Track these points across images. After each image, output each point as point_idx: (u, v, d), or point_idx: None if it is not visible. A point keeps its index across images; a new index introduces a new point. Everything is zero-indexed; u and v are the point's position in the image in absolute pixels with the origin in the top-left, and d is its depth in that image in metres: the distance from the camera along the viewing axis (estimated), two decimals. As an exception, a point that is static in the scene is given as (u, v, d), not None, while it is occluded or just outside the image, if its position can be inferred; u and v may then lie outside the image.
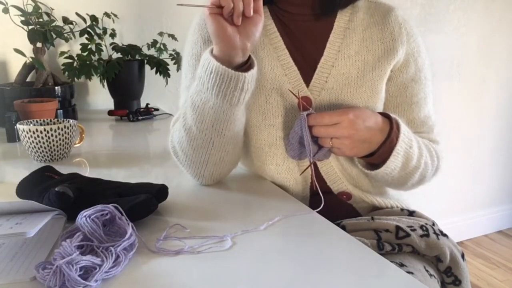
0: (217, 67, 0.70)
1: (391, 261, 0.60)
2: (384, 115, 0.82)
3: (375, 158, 0.81)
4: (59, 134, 0.98)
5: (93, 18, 1.50)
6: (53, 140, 0.97)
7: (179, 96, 0.93)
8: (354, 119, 0.75)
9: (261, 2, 0.72)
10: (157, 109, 1.55)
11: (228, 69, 0.70)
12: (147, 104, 1.54)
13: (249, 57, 0.75)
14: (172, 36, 1.60)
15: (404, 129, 0.81)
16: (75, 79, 1.42)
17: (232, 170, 0.89)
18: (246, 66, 0.74)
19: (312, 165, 0.82)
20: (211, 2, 0.69)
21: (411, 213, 0.91)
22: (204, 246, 0.61)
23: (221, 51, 0.71)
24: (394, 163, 0.80)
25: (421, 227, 0.84)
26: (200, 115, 0.76)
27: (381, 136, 0.79)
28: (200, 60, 0.74)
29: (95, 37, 1.50)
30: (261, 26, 0.73)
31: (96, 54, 1.48)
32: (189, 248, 0.60)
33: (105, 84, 1.55)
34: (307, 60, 0.87)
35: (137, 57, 1.55)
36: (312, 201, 0.89)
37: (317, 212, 0.73)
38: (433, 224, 0.88)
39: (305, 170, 0.86)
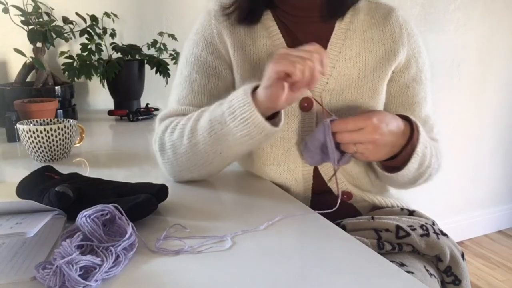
0: (257, 119, 0.71)
1: (391, 261, 0.60)
2: (402, 117, 0.82)
3: (397, 161, 0.81)
4: (59, 134, 0.97)
5: (93, 18, 1.50)
6: (53, 140, 0.97)
7: (172, 90, 0.92)
8: (378, 123, 0.75)
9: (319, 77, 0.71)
10: (157, 109, 1.55)
11: (266, 124, 0.71)
12: (147, 104, 1.54)
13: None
14: (172, 36, 1.60)
15: (422, 129, 0.81)
16: (75, 79, 1.42)
17: (231, 170, 0.89)
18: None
19: (334, 170, 0.82)
20: (283, 69, 0.68)
21: (411, 213, 0.91)
22: (204, 246, 0.61)
23: (264, 105, 0.71)
24: (413, 165, 0.80)
25: (421, 226, 0.84)
26: (214, 140, 0.76)
27: (403, 139, 0.79)
28: (239, 96, 0.73)
29: (95, 37, 1.50)
30: (302, 94, 0.75)
31: (96, 54, 1.48)
32: (189, 248, 0.60)
33: (105, 84, 1.55)
34: (308, 61, 0.87)
35: (137, 57, 1.55)
36: (314, 201, 0.89)
37: (317, 212, 0.73)
38: (433, 224, 0.88)
39: (331, 177, 0.86)
